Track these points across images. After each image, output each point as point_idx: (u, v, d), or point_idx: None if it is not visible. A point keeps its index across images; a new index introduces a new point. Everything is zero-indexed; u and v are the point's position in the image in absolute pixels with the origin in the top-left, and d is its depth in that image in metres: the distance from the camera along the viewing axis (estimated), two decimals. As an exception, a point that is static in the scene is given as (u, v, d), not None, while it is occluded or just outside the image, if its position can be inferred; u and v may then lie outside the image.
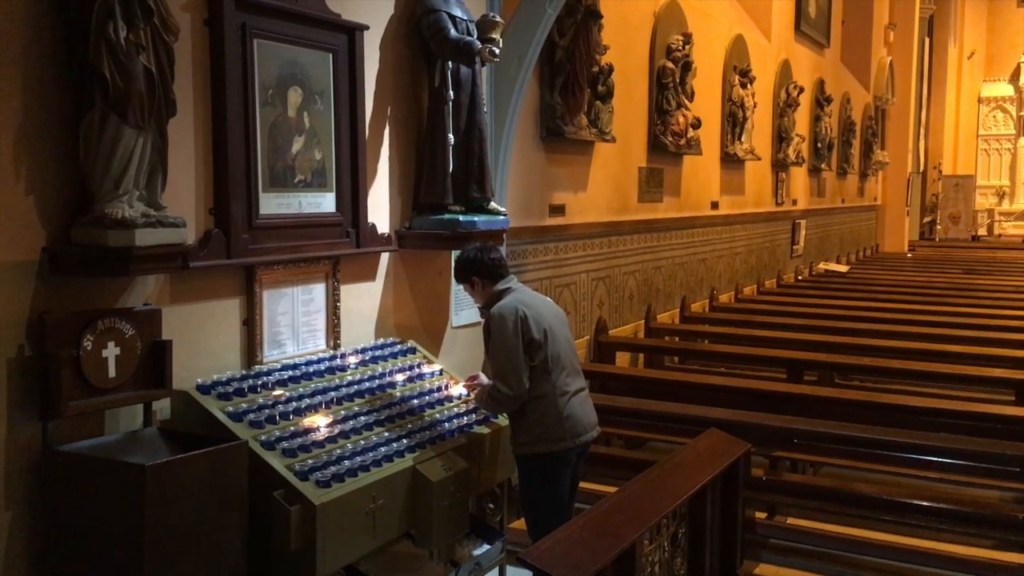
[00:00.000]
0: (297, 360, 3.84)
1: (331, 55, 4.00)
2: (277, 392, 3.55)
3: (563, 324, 3.99)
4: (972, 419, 5.28)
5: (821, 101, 13.28)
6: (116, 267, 2.91)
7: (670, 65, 8.02)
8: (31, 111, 2.84)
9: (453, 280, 4.58)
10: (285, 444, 3.27)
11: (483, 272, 3.92)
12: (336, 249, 4.06)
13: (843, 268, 13.59)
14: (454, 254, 4.36)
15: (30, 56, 2.83)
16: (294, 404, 3.52)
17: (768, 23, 11.28)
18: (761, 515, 4.94)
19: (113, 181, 2.90)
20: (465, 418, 3.99)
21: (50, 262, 2.90)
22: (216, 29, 3.43)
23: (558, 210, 6.46)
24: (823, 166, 13.48)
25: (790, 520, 5.05)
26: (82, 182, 2.94)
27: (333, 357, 3.99)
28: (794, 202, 12.39)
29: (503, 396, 3.76)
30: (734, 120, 9.78)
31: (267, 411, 3.39)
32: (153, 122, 2.97)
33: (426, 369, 4.28)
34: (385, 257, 4.45)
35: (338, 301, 4.11)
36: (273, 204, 3.73)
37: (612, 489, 3.79)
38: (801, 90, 11.94)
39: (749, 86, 9.99)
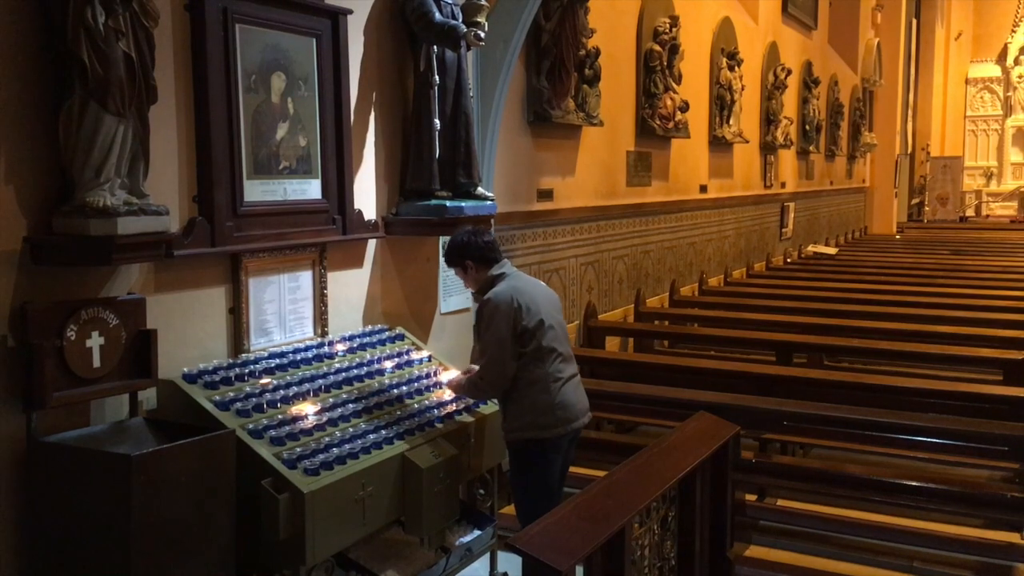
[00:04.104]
0: (284, 348, 3.82)
1: (315, 40, 3.95)
2: (264, 380, 3.53)
3: (557, 309, 3.96)
4: (960, 399, 5.30)
5: (809, 83, 13.28)
6: (99, 256, 2.88)
7: (657, 48, 7.99)
8: (9, 99, 2.81)
9: (441, 266, 4.57)
10: (273, 433, 3.25)
11: (476, 256, 3.87)
12: (322, 236, 4.03)
13: (832, 250, 13.61)
14: (442, 240, 4.33)
15: (8, 43, 2.79)
16: (281, 392, 3.50)
17: (755, 5, 11.24)
18: (751, 497, 4.95)
19: (94, 169, 2.87)
20: (454, 404, 3.98)
21: (31, 252, 2.87)
22: (197, 14, 3.39)
23: (546, 195, 6.44)
24: (811, 148, 13.48)
25: (780, 502, 5.08)
26: (63, 170, 2.90)
27: (321, 345, 3.97)
28: (783, 185, 12.39)
29: (484, 385, 3.80)
30: (722, 103, 9.76)
31: (254, 400, 3.37)
32: (134, 109, 2.93)
33: (415, 356, 4.27)
34: (372, 244, 4.43)
35: (325, 288, 4.09)
36: (258, 191, 3.70)
37: (602, 473, 3.78)
38: (789, 72, 11.92)
39: (737, 69, 9.96)
